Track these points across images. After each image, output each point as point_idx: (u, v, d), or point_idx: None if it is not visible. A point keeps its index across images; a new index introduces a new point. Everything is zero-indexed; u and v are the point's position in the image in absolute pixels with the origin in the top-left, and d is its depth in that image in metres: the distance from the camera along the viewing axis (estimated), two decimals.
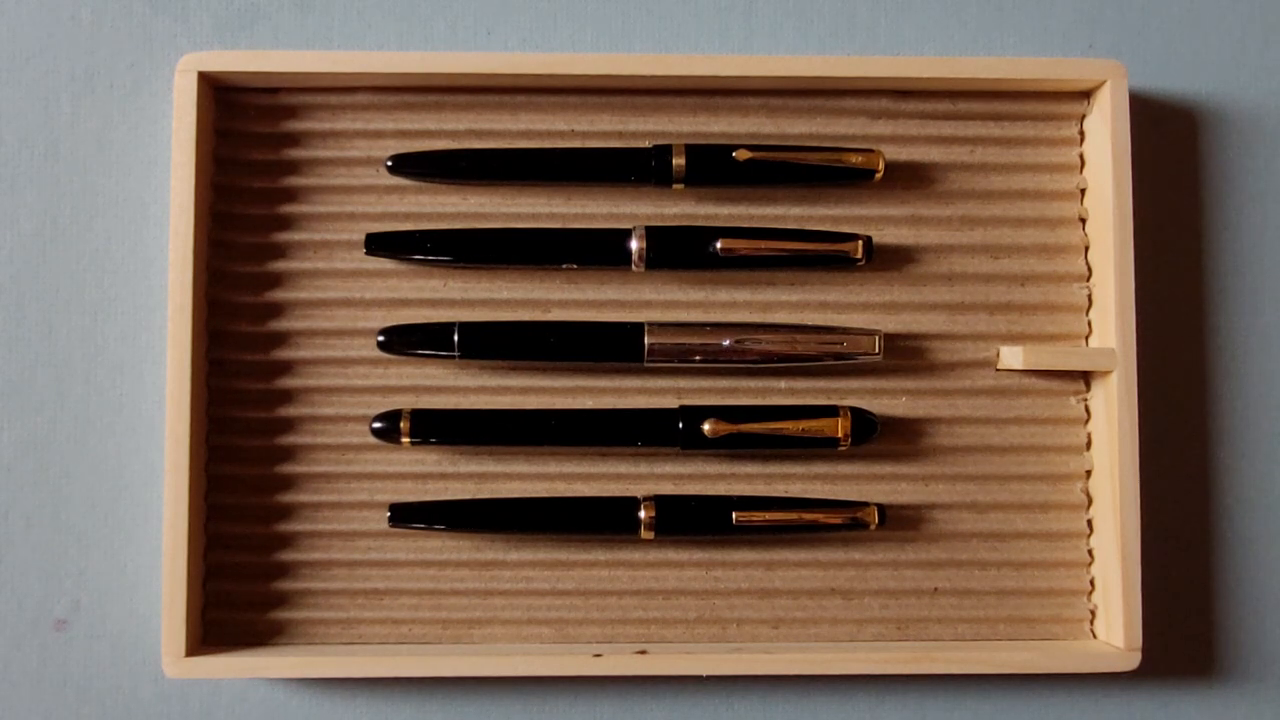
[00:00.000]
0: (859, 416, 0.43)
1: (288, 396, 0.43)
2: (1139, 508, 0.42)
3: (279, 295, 0.44)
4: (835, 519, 0.42)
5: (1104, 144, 0.43)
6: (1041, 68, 0.43)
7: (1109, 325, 0.43)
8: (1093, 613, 0.44)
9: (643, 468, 0.44)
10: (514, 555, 0.43)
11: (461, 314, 0.44)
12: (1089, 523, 0.44)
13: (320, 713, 0.44)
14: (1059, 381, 0.44)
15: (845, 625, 0.44)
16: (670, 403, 0.44)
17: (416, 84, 0.43)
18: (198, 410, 0.42)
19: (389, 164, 0.43)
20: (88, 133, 0.45)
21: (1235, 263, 0.46)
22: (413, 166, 0.43)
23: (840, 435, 0.42)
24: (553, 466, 0.44)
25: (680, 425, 0.42)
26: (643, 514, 0.42)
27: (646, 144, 0.44)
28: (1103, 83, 0.43)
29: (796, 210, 0.44)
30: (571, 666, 0.41)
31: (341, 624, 0.43)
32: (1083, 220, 0.45)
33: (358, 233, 0.43)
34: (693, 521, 0.42)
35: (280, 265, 0.44)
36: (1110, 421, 0.43)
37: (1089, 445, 0.44)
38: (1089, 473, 0.44)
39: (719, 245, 0.43)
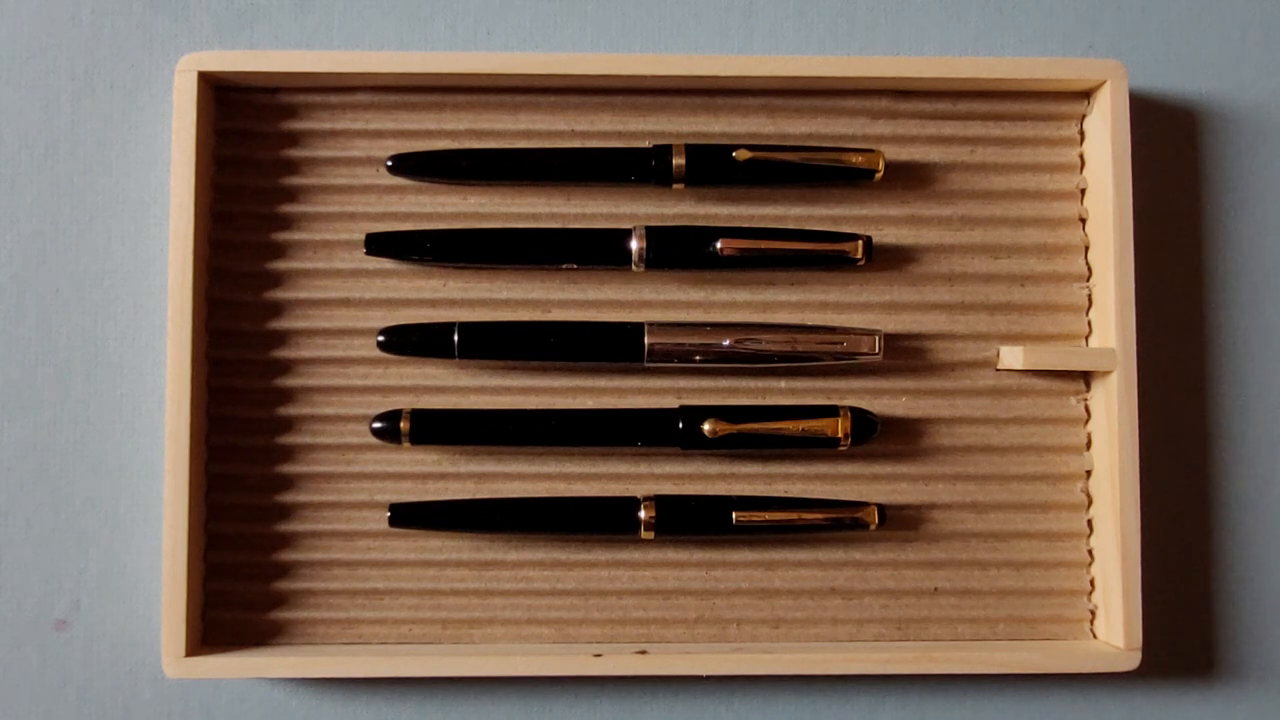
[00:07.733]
0: (859, 416, 0.43)
1: (288, 396, 0.43)
2: (1139, 508, 0.42)
3: (279, 295, 0.44)
4: (835, 519, 0.42)
5: (1104, 144, 0.43)
6: (1041, 68, 0.43)
7: (1109, 325, 0.43)
8: (1093, 613, 0.44)
9: (643, 468, 0.44)
10: (514, 555, 0.43)
11: (461, 314, 0.44)
12: (1089, 523, 0.44)
13: (320, 713, 0.44)
14: (1059, 381, 0.44)
15: (845, 625, 0.44)
16: (670, 403, 0.44)
17: (416, 84, 0.43)
18: (198, 410, 0.42)
19: (389, 164, 0.43)
20: (88, 133, 0.45)
21: (1235, 263, 0.46)
22: (413, 166, 0.43)
23: (840, 435, 0.42)
24: (553, 466, 0.44)
25: (680, 425, 0.42)
26: (643, 514, 0.42)
27: (646, 144, 0.44)
28: (1103, 83, 0.43)
29: (796, 210, 0.44)
30: (571, 666, 0.41)
31: (341, 624, 0.43)
32: (1083, 220, 0.45)
33: (358, 233, 0.43)
34: (693, 521, 0.42)
35: (280, 265, 0.44)
36: (1110, 421, 0.43)
37: (1089, 445, 0.44)
38: (1089, 473, 0.44)
39: (719, 245, 0.43)
